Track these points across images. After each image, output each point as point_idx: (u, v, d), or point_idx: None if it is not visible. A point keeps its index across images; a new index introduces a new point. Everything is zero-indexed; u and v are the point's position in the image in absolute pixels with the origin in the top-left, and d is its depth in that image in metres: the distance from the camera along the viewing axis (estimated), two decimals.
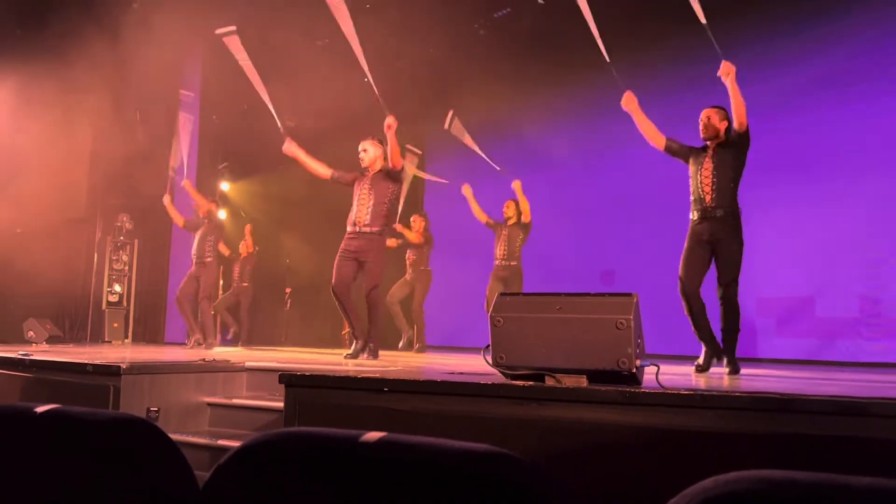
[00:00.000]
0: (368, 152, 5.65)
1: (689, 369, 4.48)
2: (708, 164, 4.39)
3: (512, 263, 7.59)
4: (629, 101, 4.72)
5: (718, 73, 4.36)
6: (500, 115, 10.20)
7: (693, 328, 4.41)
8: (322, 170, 5.84)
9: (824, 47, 7.92)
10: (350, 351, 5.53)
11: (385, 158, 5.64)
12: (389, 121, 5.50)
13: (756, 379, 4.00)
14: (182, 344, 8.52)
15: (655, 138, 4.66)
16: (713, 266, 4.39)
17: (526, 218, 7.59)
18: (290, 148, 5.90)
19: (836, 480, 0.61)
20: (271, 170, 10.71)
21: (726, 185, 4.33)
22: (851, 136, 7.81)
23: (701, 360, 4.35)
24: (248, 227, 9.83)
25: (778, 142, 8.02)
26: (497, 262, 7.67)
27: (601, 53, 5.13)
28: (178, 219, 7.97)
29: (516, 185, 7.58)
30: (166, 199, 7.95)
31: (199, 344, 7.38)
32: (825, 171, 7.92)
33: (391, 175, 5.59)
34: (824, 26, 7.89)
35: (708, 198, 4.35)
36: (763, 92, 7.95)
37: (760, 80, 7.89)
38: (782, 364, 6.89)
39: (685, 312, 4.42)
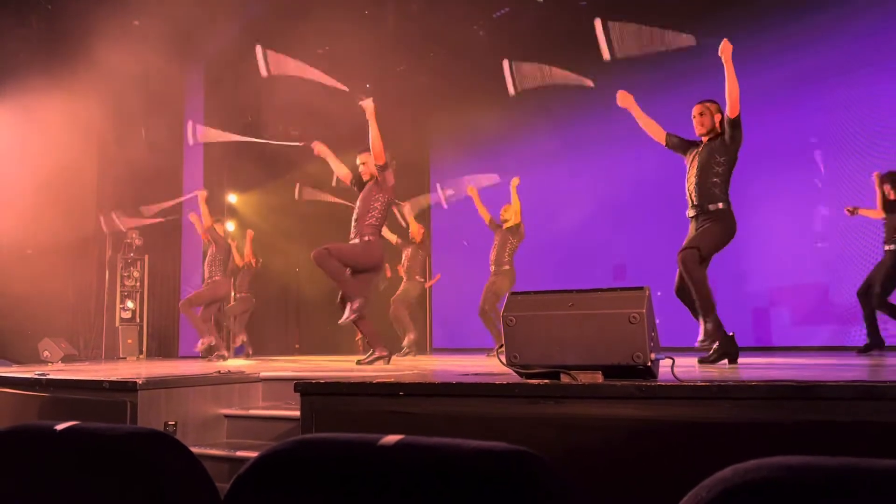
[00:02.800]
0: (368, 164, 5.62)
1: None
2: (697, 160, 4.35)
3: (504, 268, 7.61)
4: (624, 99, 4.67)
5: (719, 52, 4.26)
6: (504, 114, 10.19)
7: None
8: (344, 172, 5.83)
9: (827, 34, 7.90)
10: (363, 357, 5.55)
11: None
12: (366, 104, 5.42)
13: (772, 367, 3.98)
14: (197, 357, 8.55)
15: (656, 133, 4.63)
16: (720, 255, 4.35)
17: (516, 219, 7.59)
18: (320, 148, 5.90)
19: (856, 464, 0.61)
20: (276, 181, 10.75)
21: (710, 181, 4.26)
22: (860, 120, 7.79)
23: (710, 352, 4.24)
24: (249, 234, 9.64)
25: (787, 129, 8.00)
26: (490, 268, 7.72)
27: (604, 49, 5.10)
28: (208, 219, 7.81)
29: (514, 182, 7.59)
30: (202, 195, 7.86)
31: (213, 350, 7.33)
32: (835, 156, 7.89)
33: (379, 181, 5.51)
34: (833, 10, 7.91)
35: (695, 194, 4.32)
36: (771, 78, 7.94)
37: (768, 66, 7.88)
38: (798, 351, 6.85)
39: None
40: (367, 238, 5.46)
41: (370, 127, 5.43)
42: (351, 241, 5.51)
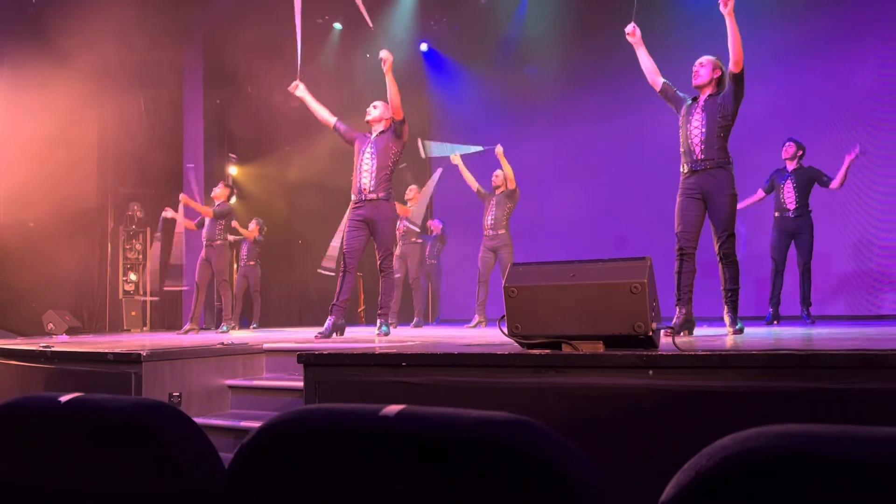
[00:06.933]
0: (378, 108, 5.42)
1: (706, 331, 4.46)
2: (698, 116, 4.30)
3: (500, 232, 7.56)
4: (633, 34, 4.51)
5: (721, 7, 4.15)
6: (504, 81, 10.12)
7: (676, 288, 4.26)
8: (327, 116, 5.56)
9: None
10: (322, 329, 5.23)
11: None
12: (384, 55, 5.20)
13: (772, 336, 3.99)
14: (200, 328, 8.57)
15: (654, 78, 4.53)
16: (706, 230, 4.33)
17: (511, 184, 7.52)
18: (300, 89, 5.57)
19: (857, 432, 0.61)
20: (277, 151, 10.70)
21: (715, 137, 4.22)
22: (865, 88, 7.73)
23: (675, 322, 4.15)
24: (257, 220, 9.63)
25: (786, 98, 7.93)
26: (486, 233, 7.65)
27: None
28: (206, 210, 7.68)
29: (499, 150, 7.50)
30: (184, 198, 7.74)
31: (191, 332, 7.23)
32: (832, 124, 7.84)
33: (396, 133, 5.33)
34: None
35: (697, 150, 4.26)
36: (782, 43, 7.88)
37: (783, 30, 7.83)
38: (798, 320, 6.86)
39: (675, 271, 4.29)
40: (383, 195, 5.31)
41: (388, 81, 5.19)
42: (367, 196, 5.31)
